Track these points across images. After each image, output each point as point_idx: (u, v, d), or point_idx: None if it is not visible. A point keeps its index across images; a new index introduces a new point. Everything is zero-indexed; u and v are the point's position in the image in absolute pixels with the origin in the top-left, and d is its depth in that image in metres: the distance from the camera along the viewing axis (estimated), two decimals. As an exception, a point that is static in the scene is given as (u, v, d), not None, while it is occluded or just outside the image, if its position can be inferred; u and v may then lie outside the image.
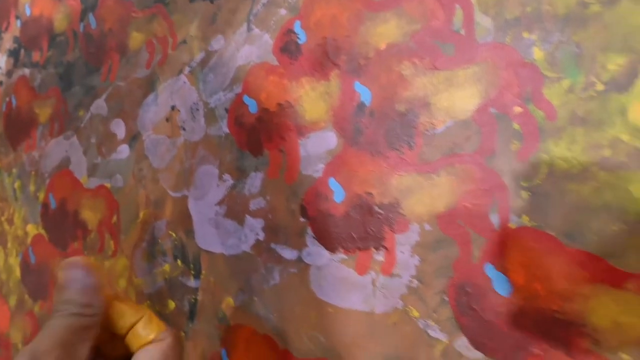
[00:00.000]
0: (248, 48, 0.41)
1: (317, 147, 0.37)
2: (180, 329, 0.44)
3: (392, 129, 0.34)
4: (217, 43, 0.43)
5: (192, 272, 0.43)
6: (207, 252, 0.43)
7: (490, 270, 0.30)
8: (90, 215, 0.51)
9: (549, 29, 0.29)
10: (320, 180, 0.37)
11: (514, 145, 0.30)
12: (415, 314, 0.33)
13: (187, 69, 0.45)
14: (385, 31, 0.35)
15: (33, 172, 0.57)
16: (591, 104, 0.28)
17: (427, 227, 0.33)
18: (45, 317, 0.55)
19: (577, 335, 0.28)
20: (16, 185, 0.59)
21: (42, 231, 0.56)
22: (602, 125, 0.28)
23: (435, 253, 0.32)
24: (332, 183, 0.36)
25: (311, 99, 0.38)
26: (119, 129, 0.50)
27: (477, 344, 0.31)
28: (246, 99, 0.41)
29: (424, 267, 0.33)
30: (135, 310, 0.24)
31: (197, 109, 0.44)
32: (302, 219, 0.38)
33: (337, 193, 0.36)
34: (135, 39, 0.49)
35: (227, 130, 0.42)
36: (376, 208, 0.34)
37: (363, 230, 0.35)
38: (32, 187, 0.58)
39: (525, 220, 0.30)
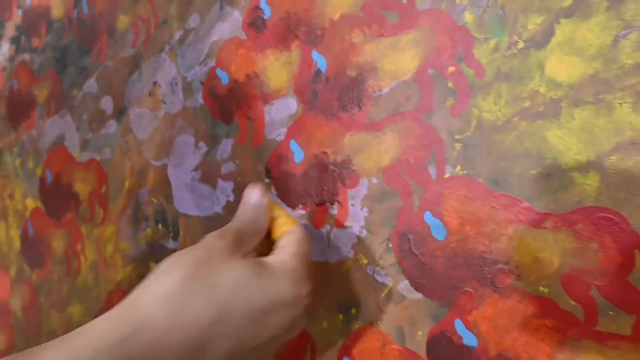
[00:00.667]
0: (220, 25, 0.44)
1: (280, 112, 0.40)
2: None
3: (344, 93, 0.37)
4: (193, 21, 0.46)
5: (171, 234, 0.47)
6: (185, 215, 0.46)
7: (428, 218, 0.33)
8: (82, 187, 0.55)
9: (479, -5, 0.32)
10: (283, 143, 0.40)
11: (448, 102, 0.33)
12: (364, 261, 0.36)
13: (167, 47, 0.48)
14: (339, 2, 0.38)
15: (32, 150, 0.61)
16: (514, 61, 0.31)
17: (375, 180, 0.35)
18: (42, 284, 0.59)
19: (502, 272, 0.30)
20: (17, 162, 0.64)
21: (40, 204, 0.60)
22: (523, 79, 0.30)
23: (381, 204, 0.35)
24: (293, 145, 0.39)
25: (275, 68, 0.41)
26: (108, 105, 0.53)
27: (417, 286, 0.34)
28: (219, 71, 0.44)
29: (372, 218, 0.35)
30: (278, 211, 0.33)
31: (176, 83, 0.47)
32: (267, 180, 0.41)
33: (297, 154, 0.39)
34: (122, 21, 0.53)
35: (202, 101, 0.45)
36: (331, 166, 0.37)
37: (319, 187, 0.38)
38: (30, 164, 0.62)
39: (458, 170, 0.32)
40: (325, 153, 0.38)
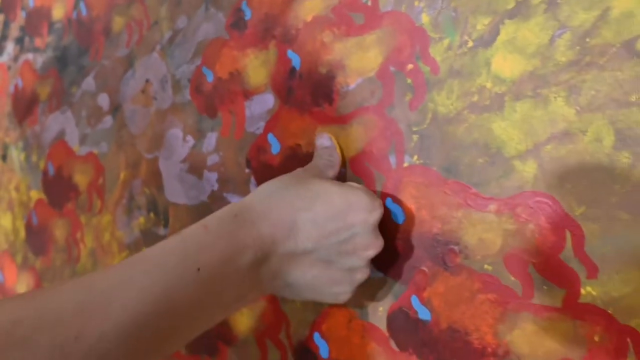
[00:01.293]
0: (206, 26, 0.48)
1: (259, 107, 0.43)
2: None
3: (316, 89, 0.40)
4: (182, 22, 0.50)
5: (162, 222, 0.50)
6: (174, 204, 0.49)
7: (389, 203, 0.36)
8: (81, 179, 0.58)
9: (434, -2, 0.35)
10: (261, 136, 0.43)
11: (407, 96, 0.36)
12: (333, 244, 0.39)
13: (158, 47, 0.51)
14: (312, 5, 0.41)
15: (35, 144, 0.65)
16: (464, 59, 0.33)
17: (342, 170, 0.38)
18: (45, 271, 0.63)
19: (452, 252, 0.33)
20: (22, 157, 0.67)
21: (43, 196, 0.64)
22: (472, 75, 0.33)
23: (348, 191, 0.38)
24: (270, 138, 0.42)
25: (254, 66, 0.44)
26: (104, 102, 0.57)
27: (379, 266, 0.37)
28: (204, 69, 0.47)
29: (340, 204, 0.38)
30: None
31: (166, 81, 0.50)
32: (247, 170, 0.44)
33: (274, 146, 0.42)
34: (117, 22, 0.56)
35: (189, 97, 0.48)
36: (304, 157, 0.40)
37: (294, 177, 0.41)
38: (34, 158, 0.65)
39: (415, 159, 0.35)
40: (299, 145, 0.41)
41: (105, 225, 0.55)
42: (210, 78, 0.47)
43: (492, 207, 0.32)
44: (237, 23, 0.45)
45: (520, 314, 0.31)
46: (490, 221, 0.32)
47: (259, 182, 0.43)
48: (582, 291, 0.29)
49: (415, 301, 0.35)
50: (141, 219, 0.52)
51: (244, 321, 0.44)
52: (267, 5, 0.43)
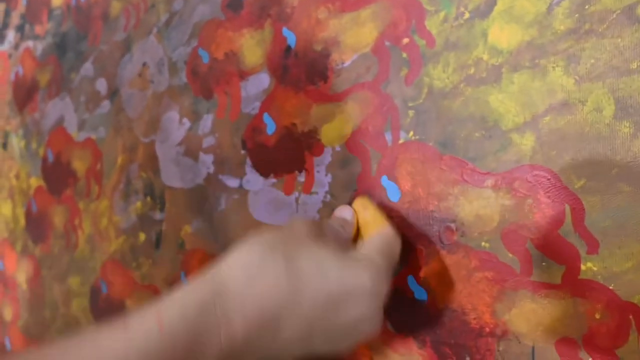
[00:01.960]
0: (202, 7, 0.47)
1: (255, 87, 0.43)
2: (148, 257, 0.50)
3: (311, 67, 0.39)
4: (178, 4, 0.49)
5: (159, 206, 0.49)
6: (170, 187, 0.49)
7: (385, 181, 0.35)
8: (79, 165, 0.58)
9: (431, -31, 0.34)
10: (257, 117, 0.42)
11: (403, 71, 0.35)
12: (328, 224, 0.38)
13: (155, 29, 0.51)
14: (307, -18, 0.40)
15: (35, 132, 0.65)
16: (460, 31, 0.32)
17: (338, 148, 0.37)
18: (44, 258, 0.63)
19: (448, 230, 0.32)
20: (22, 144, 0.67)
21: (43, 183, 0.63)
22: (468, 47, 0.32)
23: (343, 170, 0.37)
24: (266, 118, 0.42)
25: (250, 46, 0.43)
26: (102, 87, 0.56)
27: (374, 246, 0.36)
28: (200, 51, 0.47)
29: (335, 183, 0.38)
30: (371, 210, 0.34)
31: (163, 64, 0.50)
32: (242, 151, 0.43)
33: (270, 126, 0.41)
34: (115, 7, 0.56)
35: (185, 79, 0.48)
36: (299, 136, 0.40)
37: (289, 156, 0.40)
38: (34, 145, 0.65)
39: (411, 135, 0.34)
40: (294, 124, 0.40)
41: (103, 211, 0.55)
42: (206, 59, 0.46)
43: (489, 182, 0.31)
44: (232, 3, 0.45)
45: (519, 291, 0.30)
46: (488, 197, 0.31)
47: (255, 162, 0.42)
48: (582, 267, 0.28)
49: (411, 281, 0.34)
50: (138, 204, 0.51)
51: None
52: (262, -16, 0.43)
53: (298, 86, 0.40)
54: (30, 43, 0.68)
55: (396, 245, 0.31)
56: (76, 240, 0.58)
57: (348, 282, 0.27)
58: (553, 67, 0.29)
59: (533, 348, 0.29)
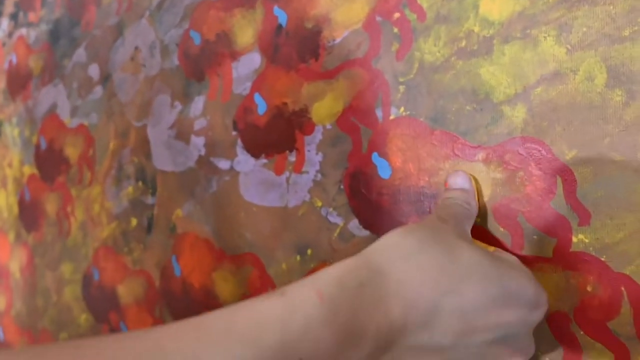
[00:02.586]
0: (194, -12, 0.47)
1: (246, 68, 0.42)
2: (139, 242, 0.50)
3: (302, 45, 0.39)
4: (170, -13, 0.49)
5: (150, 190, 0.49)
6: (162, 171, 0.48)
7: (375, 158, 0.35)
8: (72, 151, 0.58)
9: (422, -57, 0.33)
10: (248, 97, 0.42)
11: (394, 46, 0.34)
12: (319, 203, 0.37)
13: (147, 13, 0.51)
14: (298, -40, 0.39)
15: (28, 119, 0.65)
16: (451, 3, 0.32)
17: (328, 126, 0.37)
18: (37, 246, 0.62)
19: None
20: (15, 132, 0.67)
21: (35, 170, 0.63)
22: (459, 20, 0.32)
23: (334, 148, 0.37)
24: (257, 98, 0.41)
25: (241, 26, 0.43)
26: (95, 72, 0.56)
27: (365, 224, 0.35)
28: (192, 32, 0.46)
29: (326, 162, 0.37)
30: None
31: (155, 47, 0.50)
32: (233, 133, 0.43)
33: (261, 106, 0.41)
34: (108, -9, 0.55)
35: (177, 62, 0.47)
36: (290, 116, 0.39)
37: (280, 136, 0.40)
38: (27, 132, 0.65)
39: (402, 111, 0.34)
40: (285, 104, 0.39)
41: (95, 197, 0.54)
42: (197, 41, 0.46)
43: (480, 155, 0.30)
44: (224, -17, 0.44)
45: (509, 265, 0.29)
46: (479, 171, 0.30)
47: (246, 143, 0.42)
48: (574, 239, 0.27)
49: (401, 258, 0.33)
50: (130, 189, 0.51)
51: (228, 287, 0.42)
52: (253, -37, 0.42)
53: (289, 65, 0.39)
54: (23, 31, 0.67)
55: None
56: (69, 227, 0.58)
57: (509, 285, 0.25)
58: (544, 37, 0.28)
59: (524, 323, 0.29)
